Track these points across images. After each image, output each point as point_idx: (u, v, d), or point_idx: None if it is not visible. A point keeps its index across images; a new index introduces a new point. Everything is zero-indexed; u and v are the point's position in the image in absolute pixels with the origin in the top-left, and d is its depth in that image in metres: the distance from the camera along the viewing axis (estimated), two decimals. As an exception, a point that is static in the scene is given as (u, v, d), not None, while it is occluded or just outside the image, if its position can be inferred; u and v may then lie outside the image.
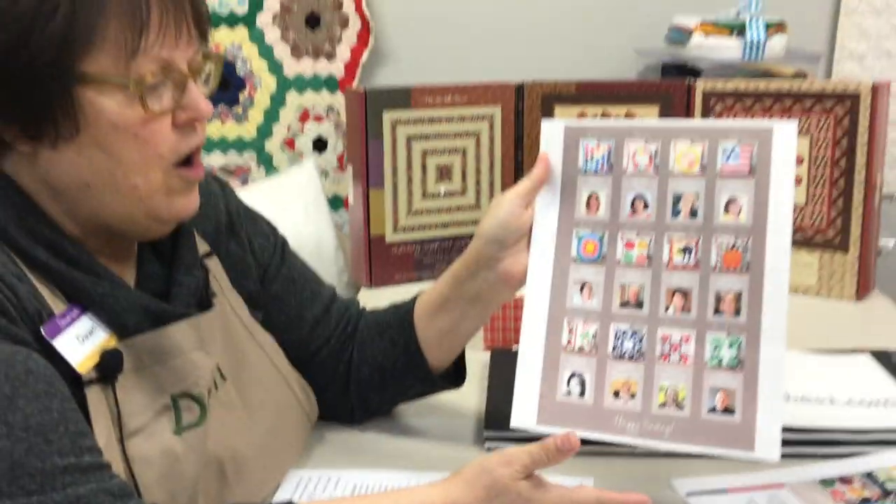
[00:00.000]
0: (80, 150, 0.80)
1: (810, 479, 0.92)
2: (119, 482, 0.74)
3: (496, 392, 1.11)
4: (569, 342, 0.92)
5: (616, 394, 0.89)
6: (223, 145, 2.05)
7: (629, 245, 0.93)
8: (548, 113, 1.64)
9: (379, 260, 1.60)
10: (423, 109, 1.58)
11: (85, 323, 0.81)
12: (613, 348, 0.90)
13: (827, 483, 0.92)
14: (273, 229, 1.11)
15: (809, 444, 0.99)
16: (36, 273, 0.80)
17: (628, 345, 0.90)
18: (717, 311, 0.88)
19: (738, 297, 0.87)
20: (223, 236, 1.02)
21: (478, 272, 1.00)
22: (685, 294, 0.89)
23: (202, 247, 0.97)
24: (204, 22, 0.86)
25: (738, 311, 0.87)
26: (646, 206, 0.92)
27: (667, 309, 0.89)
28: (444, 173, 1.63)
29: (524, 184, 0.97)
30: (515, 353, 1.18)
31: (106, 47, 0.78)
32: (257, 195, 1.89)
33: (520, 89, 1.65)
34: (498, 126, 1.64)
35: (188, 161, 0.86)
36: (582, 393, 0.90)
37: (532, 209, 0.97)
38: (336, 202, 2.06)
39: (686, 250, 0.90)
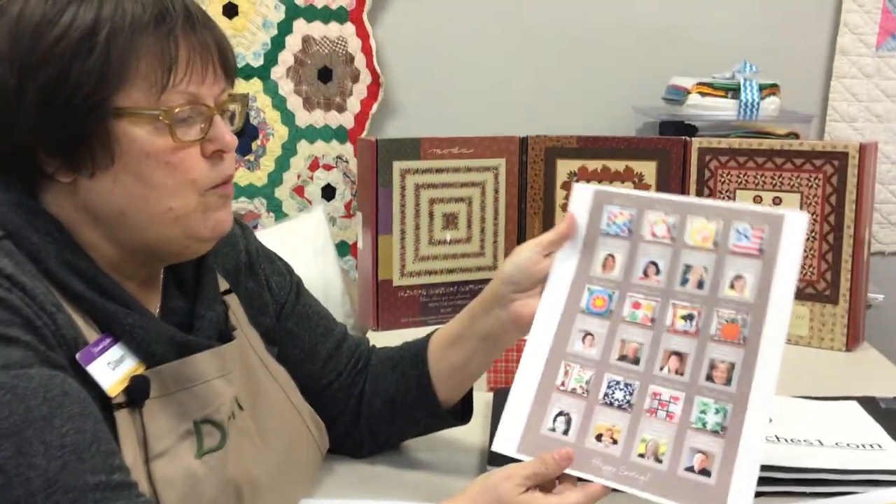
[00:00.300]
0: (116, 178, 0.86)
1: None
2: (145, 500, 0.78)
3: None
4: (563, 383, 0.96)
5: (599, 437, 0.91)
6: (235, 191, 2.11)
7: (636, 305, 0.97)
8: (550, 166, 1.71)
9: (386, 303, 1.65)
10: (431, 160, 1.65)
11: (116, 351, 0.86)
12: (604, 395, 0.93)
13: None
14: (289, 269, 1.16)
15: (798, 483, 1.03)
16: (72, 303, 0.85)
17: (619, 395, 0.93)
18: (709, 377, 0.90)
19: (731, 368, 0.90)
20: (242, 275, 1.07)
21: (491, 310, 1.06)
22: (681, 357, 0.93)
23: (222, 284, 1.03)
24: (230, 65, 0.92)
25: (728, 381, 0.89)
26: (657, 271, 0.97)
27: (661, 368, 0.93)
28: (450, 221, 1.69)
29: (548, 235, 1.03)
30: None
31: (138, 83, 0.84)
32: (268, 240, 1.93)
33: (524, 142, 1.72)
34: (503, 177, 1.71)
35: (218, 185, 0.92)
36: (566, 431, 0.93)
37: (550, 259, 1.02)
38: (343, 248, 2.12)
39: (688, 317, 0.94)
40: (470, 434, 1.18)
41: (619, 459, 0.89)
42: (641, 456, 0.89)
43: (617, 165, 1.70)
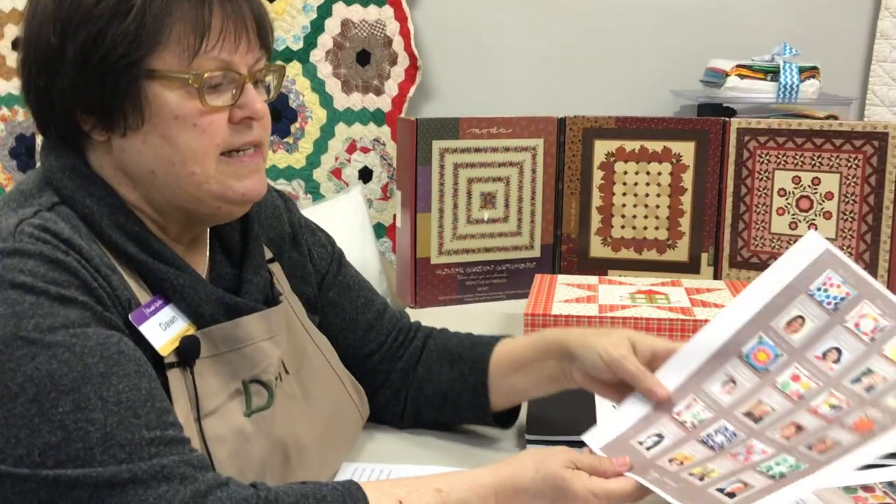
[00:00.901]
0: (146, 138, 0.88)
1: (834, 485, 0.97)
2: (198, 455, 0.80)
3: (537, 401, 1.17)
4: (679, 412, 0.93)
5: (671, 460, 0.89)
6: (273, 173, 2.14)
7: (795, 378, 0.91)
8: (588, 146, 1.72)
9: (424, 281, 1.67)
10: (470, 139, 1.66)
11: (167, 312, 0.89)
12: (707, 435, 0.90)
13: (850, 490, 0.97)
14: (331, 241, 1.18)
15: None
16: (125, 266, 0.88)
17: (719, 438, 0.89)
18: (810, 446, 0.85)
19: (835, 445, 0.84)
20: (286, 245, 1.10)
21: (561, 362, 1.05)
22: (801, 429, 0.87)
23: (266, 253, 1.05)
24: (266, 35, 0.93)
25: (823, 452, 0.84)
26: (837, 360, 0.91)
27: (776, 432, 0.88)
28: (487, 200, 1.70)
29: (647, 377, 0.96)
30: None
31: (171, 47, 0.86)
32: (307, 219, 1.98)
33: (562, 123, 1.73)
34: (540, 157, 1.72)
35: (239, 152, 0.92)
36: (650, 448, 0.91)
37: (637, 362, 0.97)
38: (379, 230, 2.14)
39: (836, 407, 0.88)
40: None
41: (670, 473, 0.87)
42: (691, 474, 0.86)
43: (655, 146, 1.71)
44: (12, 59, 2.02)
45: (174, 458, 0.77)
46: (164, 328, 0.88)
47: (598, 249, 1.75)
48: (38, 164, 0.93)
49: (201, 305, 0.91)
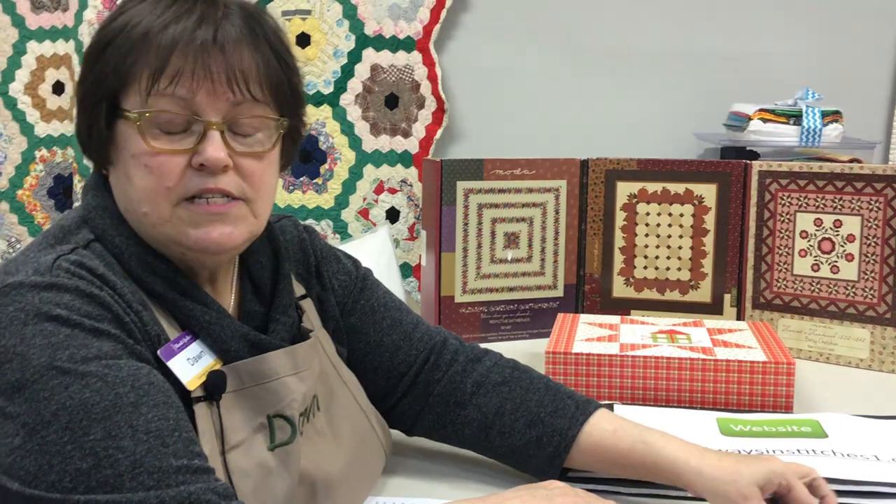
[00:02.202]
0: (118, 175, 0.93)
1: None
2: (224, 484, 0.82)
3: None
4: None
5: None
6: (303, 213, 2.18)
7: None
8: (610, 187, 1.74)
9: (448, 319, 1.69)
10: (494, 181, 1.69)
11: (195, 348, 0.91)
12: None
13: (870, 528, 0.97)
14: (355, 264, 1.20)
15: (854, 496, 1.04)
16: (155, 302, 0.91)
17: None
18: None
19: None
20: (313, 279, 1.12)
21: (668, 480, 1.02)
22: None
23: (298, 290, 1.07)
24: (248, 84, 0.90)
25: None
26: None
27: None
28: (511, 240, 1.73)
29: None
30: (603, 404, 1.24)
31: (133, 86, 0.89)
32: (334, 258, 2.01)
33: (584, 164, 1.75)
34: (563, 198, 1.74)
35: (199, 198, 0.91)
36: None
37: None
38: (406, 269, 2.16)
39: None
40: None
41: None
42: None
43: (677, 188, 1.73)
44: (53, 102, 2.09)
45: (200, 485, 0.79)
46: (191, 363, 0.91)
47: (620, 289, 1.77)
48: (79, 202, 0.98)
49: (227, 342, 0.93)
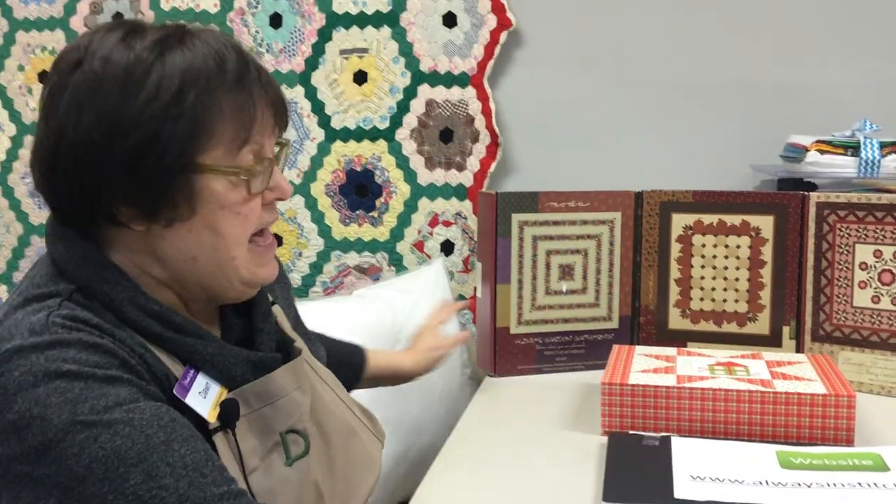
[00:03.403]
0: (192, 227, 0.91)
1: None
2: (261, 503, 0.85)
3: (614, 470, 1.18)
4: None
5: None
6: (359, 246, 2.22)
7: None
8: (665, 219, 1.74)
9: (503, 351, 1.70)
10: (549, 213, 1.71)
11: (201, 381, 0.92)
12: None
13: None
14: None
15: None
16: (154, 343, 0.90)
17: None
18: None
19: None
20: (276, 286, 1.15)
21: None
22: None
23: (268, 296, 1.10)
24: (287, 116, 0.99)
25: None
26: None
27: None
28: (566, 272, 1.74)
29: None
30: (632, 437, 1.26)
31: (221, 142, 0.90)
32: (390, 290, 2.04)
33: (639, 196, 1.76)
34: (618, 230, 1.75)
35: (260, 233, 0.97)
36: None
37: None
38: (460, 301, 2.18)
39: None
40: (581, 477, 1.21)
41: None
42: None
43: (733, 219, 1.72)
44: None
45: None
46: (203, 396, 0.92)
47: (676, 321, 1.76)
48: (46, 253, 0.94)
49: (231, 369, 0.94)
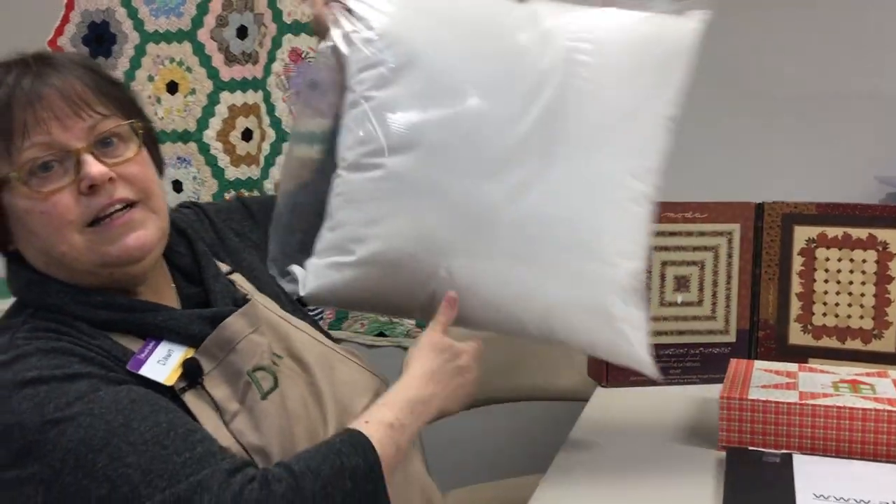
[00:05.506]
0: (26, 240, 1.00)
1: None
2: (229, 462, 0.89)
3: (734, 486, 1.15)
4: None
5: None
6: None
7: None
8: (787, 232, 1.69)
9: (616, 361, 1.69)
10: (665, 223, 1.68)
11: (162, 349, 1.00)
12: None
13: None
14: (236, 201, 1.33)
15: None
16: (109, 330, 0.99)
17: None
18: None
19: None
20: (225, 249, 1.21)
21: None
22: None
23: (224, 267, 1.16)
24: (89, 99, 0.98)
25: None
26: None
27: None
28: (681, 283, 1.71)
29: None
30: (752, 453, 1.24)
31: None
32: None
33: (759, 208, 1.72)
34: (737, 242, 1.71)
35: (105, 218, 0.98)
36: None
37: None
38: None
39: None
40: (698, 497, 1.19)
41: None
42: None
43: (859, 233, 1.66)
44: (242, 148, 2.24)
45: (206, 471, 0.87)
46: (162, 363, 0.98)
47: (797, 336, 1.71)
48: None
49: (188, 328, 1.01)
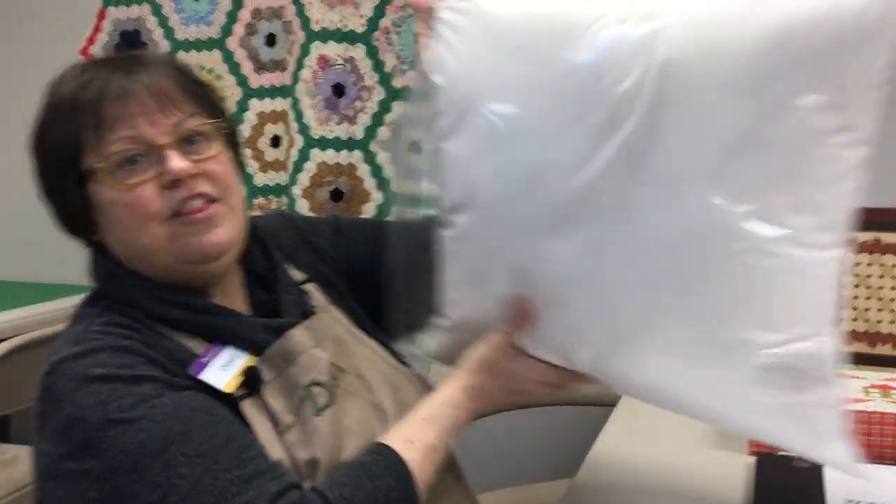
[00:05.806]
0: (110, 230, 1.02)
1: None
2: (276, 484, 0.90)
3: (764, 492, 1.15)
4: None
5: None
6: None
7: None
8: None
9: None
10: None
11: (226, 354, 1.01)
12: None
13: None
14: (331, 219, 1.32)
15: None
16: (177, 330, 1.01)
17: None
18: None
19: None
20: (311, 254, 1.21)
21: None
22: None
23: (298, 275, 1.16)
24: (168, 103, 1.01)
25: None
26: None
27: None
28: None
29: None
30: (781, 458, 1.23)
31: (88, 147, 0.99)
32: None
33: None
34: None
35: (188, 211, 1.00)
36: None
37: None
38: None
39: None
40: (731, 495, 1.18)
41: None
42: None
43: (890, 238, 1.65)
44: (270, 154, 2.26)
45: (253, 493, 0.88)
46: (224, 369, 0.99)
47: (826, 342, 1.69)
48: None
49: (253, 336, 1.02)
